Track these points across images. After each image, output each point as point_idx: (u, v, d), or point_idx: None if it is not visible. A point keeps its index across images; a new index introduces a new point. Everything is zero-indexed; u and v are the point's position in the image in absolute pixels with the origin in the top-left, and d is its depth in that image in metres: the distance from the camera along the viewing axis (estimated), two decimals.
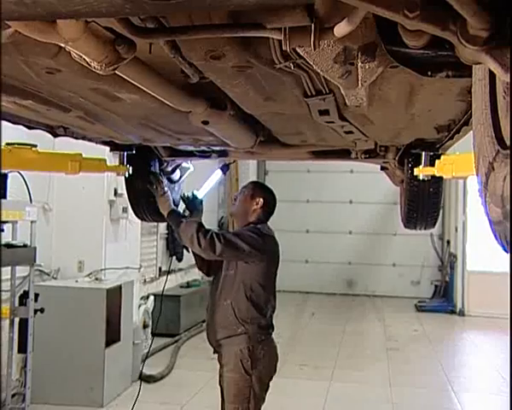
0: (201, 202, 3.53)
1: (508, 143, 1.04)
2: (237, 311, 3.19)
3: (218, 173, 3.83)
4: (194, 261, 3.57)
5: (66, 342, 5.28)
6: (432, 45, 1.20)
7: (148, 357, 5.05)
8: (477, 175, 1.22)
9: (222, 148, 3.55)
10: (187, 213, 3.47)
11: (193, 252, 3.36)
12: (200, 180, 3.79)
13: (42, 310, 4.68)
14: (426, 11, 0.98)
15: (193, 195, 3.51)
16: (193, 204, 3.49)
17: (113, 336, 5.49)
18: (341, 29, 1.22)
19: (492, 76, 1.10)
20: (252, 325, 3.20)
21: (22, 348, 4.63)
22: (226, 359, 3.21)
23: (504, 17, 0.93)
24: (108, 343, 5.38)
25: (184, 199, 3.53)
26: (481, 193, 1.18)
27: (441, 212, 4.07)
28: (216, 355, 3.35)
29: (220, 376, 3.31)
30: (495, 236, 1.11)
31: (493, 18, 0.93)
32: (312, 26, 1.25)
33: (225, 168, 3.83)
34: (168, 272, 4.77)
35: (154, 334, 6.44)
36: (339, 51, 1.44)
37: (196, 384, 5.93)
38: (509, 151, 1.01)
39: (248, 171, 12.42)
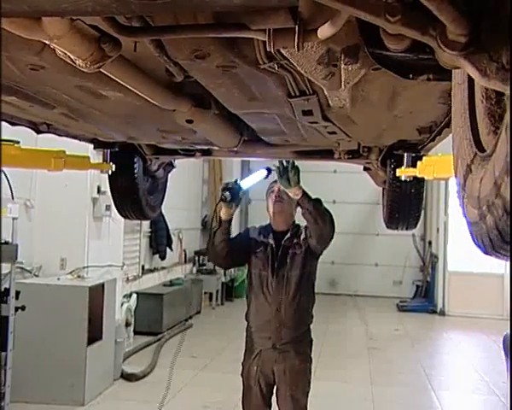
0: (244, 192, 3.51)
1: (485, 146, 1.07)
2: (311, 305, 3.49)
3: (263, 173, 3.74)
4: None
5: (48, 340, 5.24)
6: (413, 49, 1.22)
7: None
8: (455, 177, 1.25)
9: (206, 147, 3.56)
10: (228, 197, 3.35)
11: (225, 241, 3.39)
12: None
13: (23, 308, 4.64)
14: (406, 16, 1.00)
15: (237, 184, 3.45)
16: (235, 193, 3.42)
17: (95, 335, 5.47)
18: (325, 31, 1.24)
19: (471, 80, 1.13)
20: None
21: (2, 347, 4.58)
22: (299, 351, 3.36)
23: (481, 23, 0.95)
24: (90, 341, 5.35)
25: (230, 187, 3.43)
26: (459, 194, 1.21)
27: (423, 213, 4.12)
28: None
29: (262, 375, 3.36)
30: (472, 236, 1.14)
31: (471, 24, 0.95)
32: (296, 27, 1.27)
33: (269, 170, 3.75)
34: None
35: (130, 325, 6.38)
36: (322, 53, 1.46)
37: (178, 383, 5.92)
38: (485, 154, 1.04)
39: (232, 170, 12.41)
